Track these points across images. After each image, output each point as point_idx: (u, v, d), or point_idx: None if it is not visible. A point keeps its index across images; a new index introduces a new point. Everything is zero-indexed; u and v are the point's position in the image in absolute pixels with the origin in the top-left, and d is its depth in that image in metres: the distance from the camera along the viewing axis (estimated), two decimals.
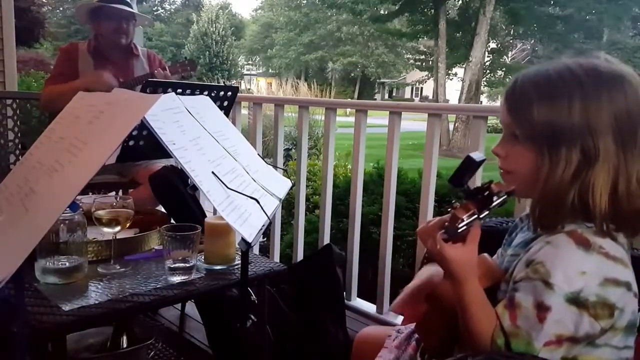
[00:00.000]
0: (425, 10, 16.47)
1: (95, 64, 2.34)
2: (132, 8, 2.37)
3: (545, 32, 17.40)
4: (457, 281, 0.79)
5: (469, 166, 0.79)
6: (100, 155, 0.64)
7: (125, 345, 1.33)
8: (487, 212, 0.77)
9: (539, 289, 0.75)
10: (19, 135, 3.16)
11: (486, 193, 0.77)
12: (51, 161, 0.73)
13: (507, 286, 0.84)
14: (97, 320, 1.04)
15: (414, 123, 11.71)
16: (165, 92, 1.77)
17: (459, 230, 0.76)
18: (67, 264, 1.11)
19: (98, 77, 2.21)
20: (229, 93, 1.93)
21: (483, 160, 0.79)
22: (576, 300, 0.73)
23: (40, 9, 10.86)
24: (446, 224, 0.78)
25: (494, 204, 0.78)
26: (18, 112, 3.08)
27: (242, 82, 29.22)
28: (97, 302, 1.04)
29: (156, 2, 40.98)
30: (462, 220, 0.75)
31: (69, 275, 1.11)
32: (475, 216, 0.76)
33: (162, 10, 41.30)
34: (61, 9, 33.07)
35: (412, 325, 1.03)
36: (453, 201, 0.81)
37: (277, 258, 2.44)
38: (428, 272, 0.99)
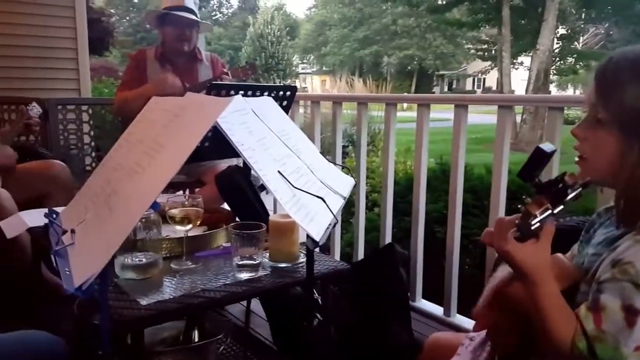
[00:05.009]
0: None
1: (162, 69, 2.45)
2: (196, 16, 2.46)
3: (621, 14, 16.07)
4: (531, 283, 0.74)
5: (540, 158, 0.74)
6: (178, 157, 0.67)
7: (196, 340, 1.38)
8: (561, 207, 0.72)
9: (627, 291, 0.70)
10: (94, 138, 3.39)
11: (560, 186, 0.72)
12: (131, 163, 0.77)
13: (588, 288, 0.79)
14: (172, 314, 1.08)
15: (476, 116, 11.25)
16: (228, 94, 1.82)
17: (532, 228, 0.71)
18: (144, 260, 1.17)
19: (163, 80, 2.32)
20: (288, 92, 1.95)
21: (554, 152, 0.74)
22: None
23: (109, 19, 11.56)
24: (517, 221, 0.74)
25: (569, 197, 0.73)
26: (92, 117, 3.30)
27: (297, 80, 29.54)
28: (171, 297, 1.08)
29: (214, 7, 42.39)
30: (535, 217, 0.71)
31: (145, 270, 1.17)
32: (549, 211, 0.71)
33: (220, 15, 42.65)
34: (127, 18, 35.10)
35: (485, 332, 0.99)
36: (523, 196, 0.76)
37: (337, 257, 2.44)
38: (502, 273, 0.95)
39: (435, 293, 2.06)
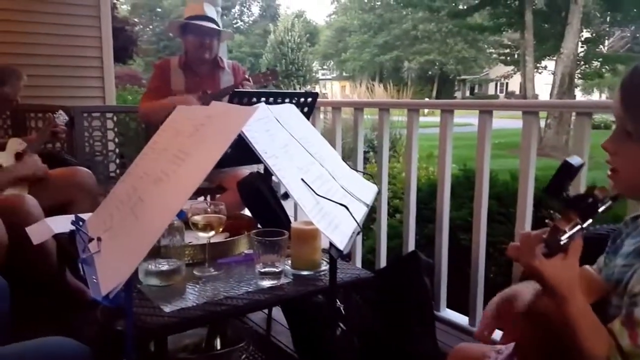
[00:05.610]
0: (509, 1, 15.59)
1: (185, 77, 2.48)
2: (217, 24, 2.49)
3: None
4: (561, 299, 0.72)
5: (567, 172, 0.71)
6: (204, 165, 0.67)
7: (218, 347, 1.37)
8: (590, 222, 0.69)
9: None
10: (118, 145, 3.45)
11: (590, 201, 0.69)
12: (157, 172, 0.77)
13: (621, 300, 0.77)
14: (195, 322, 1.08)
15: (499, 120, 11.07)
16: (250, 101, 1.83)
17: (562, 243, 0.69)
18: (167, 266, 1.17)
19: (187, 101, 2.33)
20: (309, 99, 1.95)
21: (582, 165, 0.71)
22: None
23: (133, 28, 11.86)
24: (544, 236, 0.71)
25: (599, 211, 0.70)
26: (117, 124, 3.37)
27: (317, 86, 29.64)
28: (194, 304, 1.08)
29: (236, 16, 43.02)
30: (564, 232, 0.68)
31: (168, 277, 1.17)
32: (579, 227, 0.69)
33: (241, 23, 43.24)
34: (151, 26, 35.93)
35: (513, 345, 0.96)
36: (551, 211, 0.73)
37: (359, 264, 2.41)
38: (523, 286, 0.93)
39: (460, 302, 2.01)
